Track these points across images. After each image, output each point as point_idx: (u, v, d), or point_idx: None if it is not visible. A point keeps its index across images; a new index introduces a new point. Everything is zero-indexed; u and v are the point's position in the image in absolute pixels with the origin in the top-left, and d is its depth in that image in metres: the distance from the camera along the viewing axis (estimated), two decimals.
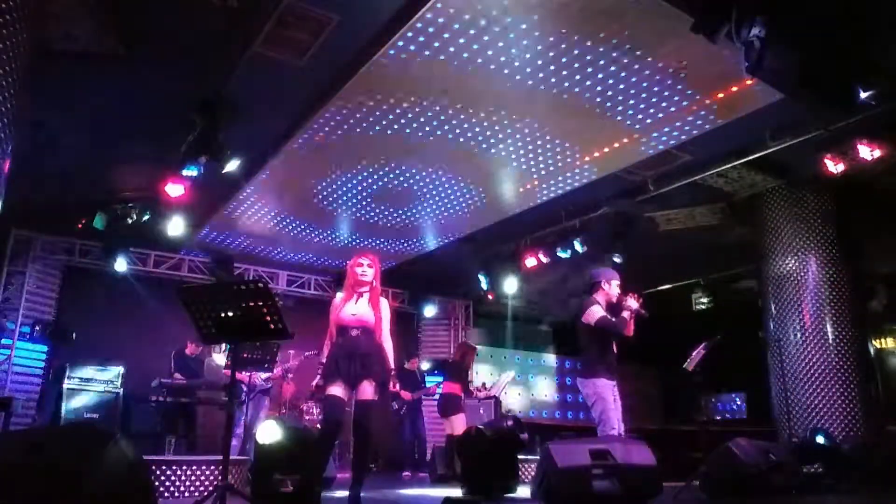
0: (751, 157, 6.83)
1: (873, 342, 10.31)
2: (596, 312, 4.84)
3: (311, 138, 6.67)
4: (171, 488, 4.93)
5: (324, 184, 7.78)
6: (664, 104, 5.94)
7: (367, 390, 4.06)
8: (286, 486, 4.05)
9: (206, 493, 4.66)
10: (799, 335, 7.49)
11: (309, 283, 11.43)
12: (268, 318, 3.47)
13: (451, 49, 5.20)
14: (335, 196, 8.13)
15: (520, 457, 6.08)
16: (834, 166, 6.39)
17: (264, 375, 7.88)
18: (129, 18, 4.94)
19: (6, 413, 6.52)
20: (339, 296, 4.34)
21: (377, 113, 6.18)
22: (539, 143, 6.73)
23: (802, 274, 7.60)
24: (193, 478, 5.04)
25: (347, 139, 6.66)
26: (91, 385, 7.48)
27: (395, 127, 6.43)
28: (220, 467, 4.15)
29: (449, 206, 8.37)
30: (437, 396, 8.49)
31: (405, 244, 9.87)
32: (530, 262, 9.21)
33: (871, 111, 5.31)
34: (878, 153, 6.04)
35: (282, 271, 11.23)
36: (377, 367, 4.11)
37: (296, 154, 7.00)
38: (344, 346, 4.12)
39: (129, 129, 6.69)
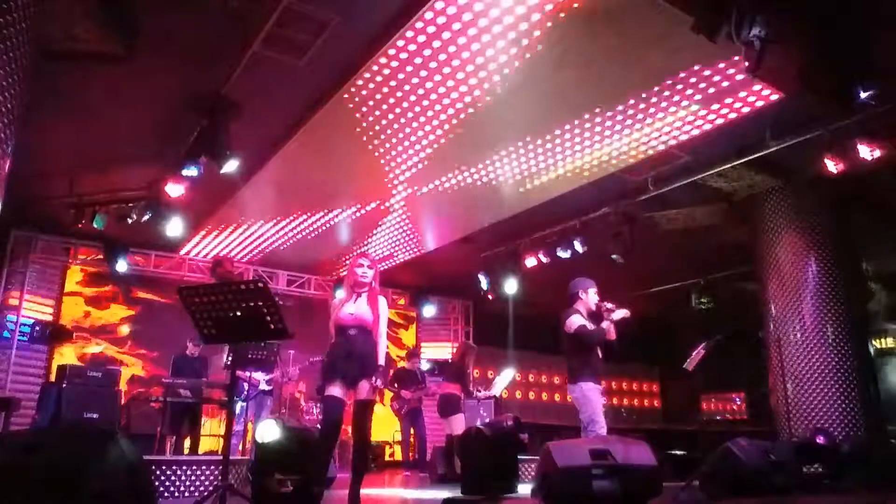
0: (751, 157, 6.84)
1: (873, 342, 10.31)
2: (575, 322, 4.95)
3: (311, 139, 6.67)
4: (171, 488, 4.93)
5: (324, 183, 7.78)
6: (664, 104, 5.95)
7: (365, 390, 4.07)
8: (286, 486, 4.05)
9: (206, 493, 4.66)
10: (799, 335, 7.49)
11: (309, 283, 11.43)
12: (268, 318, 3.47)
13: (451, 49, 5.20)
14: (335, 196, 8.14)
15: (520, 457, 6.08)
16: (834, 166, 6.39)
17: (266, 377, 7.89)
18: (129, 18, 4.94)
19: (6, 413, 6.51)
20: (339, 296, 4.35)
21: (377, 112, 6.18)
22: (539, 143, 6.73)
23: (802, 274, 7.60)
24: (193, 478, 5.04)
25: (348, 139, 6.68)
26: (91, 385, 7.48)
27: (395, 126, 6.44)
28: (220, 467, 4.16)
29: (449, 205, 8.38)
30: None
31: (405, 244, 9.87)
32: (530, 262, 9.21)
33: (871, 111, 5.32)
34: (878, 153, 6.04)
35: (282, 271, 11.23)
36: (374, 366, 4.12)
37: (296, 154, 7.01)
38: (342, 345, 4.12)
39: (130, 129, 6.70)
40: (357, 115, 6.19)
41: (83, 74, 5.62)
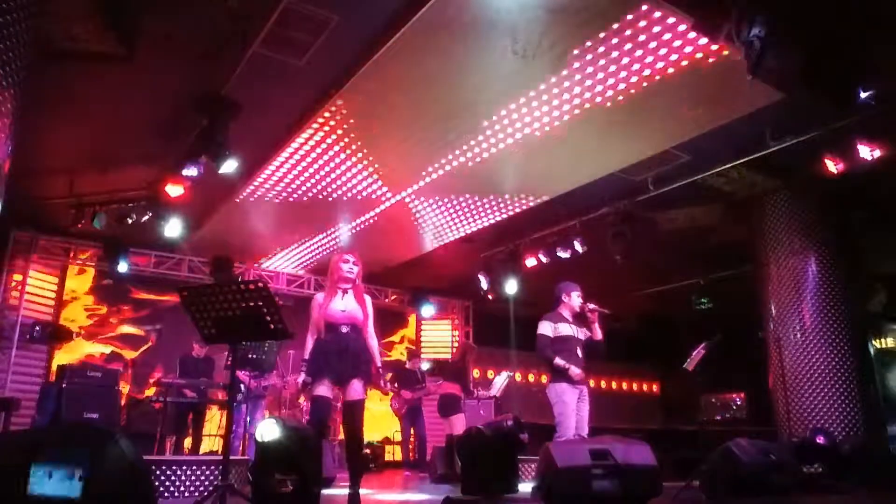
0: (751, 157, 6.83)
1: (873, 342, 10.30)
2: (539, 329, 5.11)
3: (311, 139, 6.68)
4: (171, 488, 4.93)
5: (324, 183, 7.78)
6: (664, 104, 5.95)
7: (357, 389, 4.05)
8: (286, 486, 4.05)
9: (206, 493, 4.66)
10: (799, 335, 7.49)
11: (309, 282, 11.43)
12: (268, 318, 3.47)
13: (452, 48, 5.20)
14: (335, 196, 8.13)
15: (520, 457, 6.08)
16: (834, 166, 6.39)
17: (259, 378, 7.89)
18: (129, 18, 4.94)
19: (6, 413, 6.51)
20: (321, 295, 4.26)
21: (377, 113, 6.18)
22: (539, 142, 6.73)
23: (802, 274, 7.60)
24: (193, 478, 5.04)
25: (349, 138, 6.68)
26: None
27: (395, 127, 6.44)
28: (220, 467, 4.15)
29: (448, 205, 8.38)
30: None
31: (406, 244, 9.87)
32: (530, 262, 9.21)
33: (871, 111, 5.31)
34: (878, 153, 6.04)
35: (282, 271, 11.24)
36: (366, 365, 4.10)
37: (296, 154, 7.01)
38: (334, 342, 4.07)
39: (130, 129, 6.70)
40: (359, 116, 6.20)
41: (83, 74, 5.62)
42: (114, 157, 7.28)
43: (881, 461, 6.23)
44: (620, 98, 5.82)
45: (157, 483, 4.80)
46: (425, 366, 9.10)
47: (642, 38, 5.05)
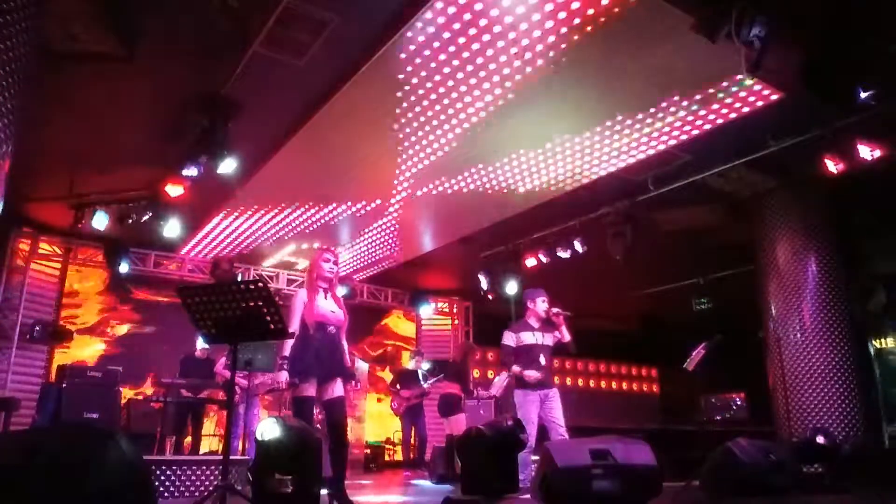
0: (751, 157, 6.83)
1: (873, 342, 10.30)
2: (503, 339, 5.38)
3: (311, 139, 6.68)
4: (171, 488, 4.93)
5: (324, 183, 7.78)
6: (664, 104, 5.95)
7: (340, 387, 4.11)
8: (286, 486, 4.05)
9: (206, 493, 4.66)
10: (799, 335, 7.48)
11: None
12: (268, 318, 3.47)
13: (451, 48, 5.20)
14: (335, 195, 8.14)
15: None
16: (834, 166, 6.39)
17: (256, 381, 7.89)
18: (129, 18, 4.94)
19: (6, 413, 6.51)
20: (304, 292, 4.22)
21: (377, 112, 6.18)
22: (539, 142, 6.73)
23: (802, 274, 7.60)
24: (193, 478, 5.04)
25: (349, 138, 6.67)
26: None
27: (395, 127, 6.44)
28: (220, 467, 4.15)
29: (448, 205, 8.38)
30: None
31: (405, 244, 9.87)
32: (530, 262, 9.20)
33: (871, 111, 5.31)
34: (878, 153, 6.04)
35: (282, 271, 11.24)
36: (345, 365, 4.20)
37: (295, 154, 7.00)
38: (323, 342, 4.08)
39: (130, 129, 6.70)
40: (363, 109, 6.20)
41: (83, 74, 5.62)
42: (114, 157, 7.28)
43: (881, 461, 6.23)
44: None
45: (157, 483, 4.80)
46: (426, 365, 9.09)
47: None
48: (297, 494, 3.77)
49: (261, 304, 3.43)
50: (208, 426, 9.17)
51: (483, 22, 4.89)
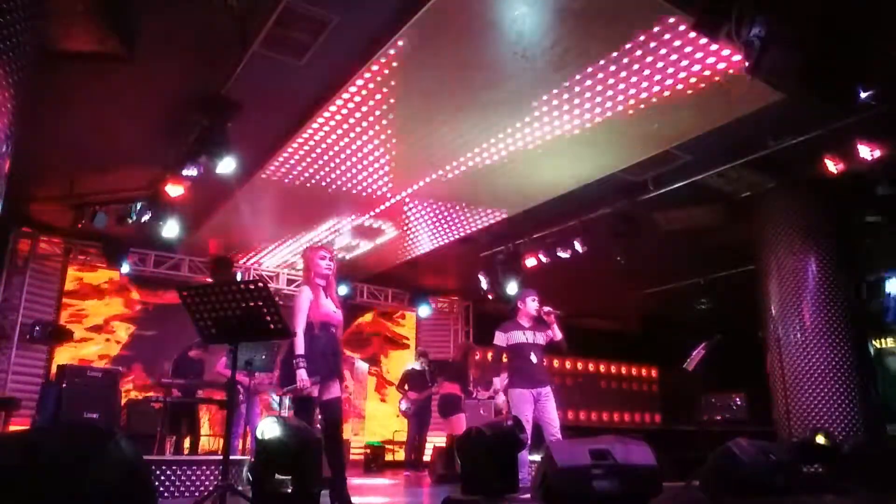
0: (751, 157, 6.83)
1: (873, 342, 10.30)
2: (494, 340, 5.43)
3: (311, 139, 6.68)
4: (171, 488, 4.93)
5: (323, 184, 7.78)
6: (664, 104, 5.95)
7: (337, 388, 4.13)
8: (286, 486, 4.05)
9: (206, 493, 4.67)
10: (799, 335, 7.48)
11: None
12: (268, 318, 3.47)
13: (452, 48, 5.21)
14: (335, 196, 8.13)
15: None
16: (834, 166, 6.39)
17: (253, 379, 7.89)
18: (129, 18, 4.94)
19: (6, 413, 6.52)
20: (308, 290, 4.15)
21: (379, 112, 6.18)
22: (539, 142, 6.73)
23: (802, 274, 7.60)
24: (193, 478, 5.04)
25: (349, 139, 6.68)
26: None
27: (395, 128, 6.44)
28: (220, 467, 4.16)
29: (448, 205, 8.38)
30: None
31: (406, 244, 9.87)
32: (530, 262, 9.21)
33: (871, 111, 5.31)
34: (878, 153, 6.04)
35: (282, 271, 11.24)
36: (341, 365, 4.26)
37: (295, 154, 7.01)
38: (326, 344, 4.08)
39: (130, 128, 6.70)
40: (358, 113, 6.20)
41: (83, 74, 5.61)
42: (114, 156, 7.28)
43: (881, 461, 6.22)
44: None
45: (157, 483, 4.80)
46: (420, 366, 9.09)
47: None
48: (297, 494, 3.77)
49: (261, 304, 3.43)
50: (206, 426, 9.17)
51: (482, 22, 4.89)
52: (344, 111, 6.14)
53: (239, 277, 10.44)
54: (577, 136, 6.50)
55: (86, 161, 7.36)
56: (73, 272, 9.93)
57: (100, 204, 8.04)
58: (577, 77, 5.53)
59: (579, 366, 14.06)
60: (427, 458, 8.86)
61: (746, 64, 4.23)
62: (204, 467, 5.12)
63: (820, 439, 6.56)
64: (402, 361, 12.12)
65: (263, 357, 7.14)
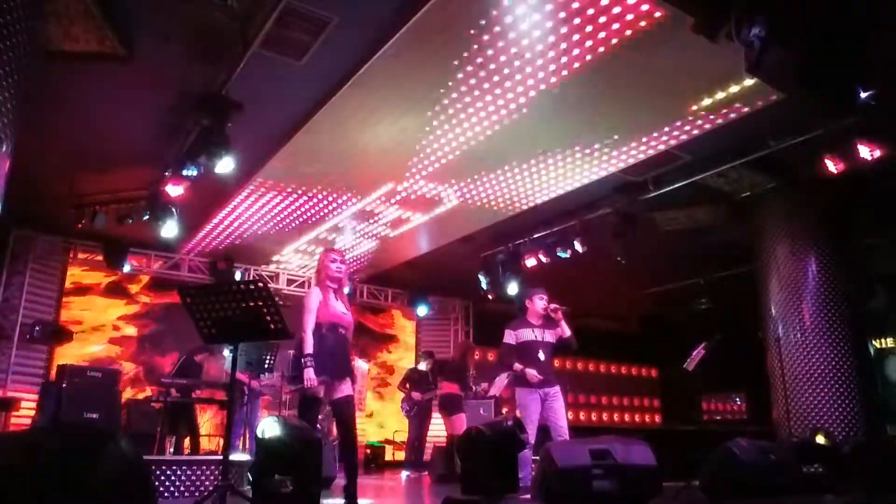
0: (751, 157, 6.83)
1: (873, 342, 10.30)
2: (503, 338, 5.44)
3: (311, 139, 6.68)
4: (171, 488, 4.93)
5: (324, 183, 7.78)
6: (664, 103, 5.95)
7: (347, 387, 4.16)
8: (286, 486, 4.05)
9: (206, 493, 4.67)
10: (799, 335, 7.48)
11: (309, 282, 11.43)
12: (268, 318, 3.47)
13: (451, 48, 5.20)
14: (334, 195, 8.13)
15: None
16: (834, 166, 6.39)
17: (263, 382, 7.89)
18: (129, 18, 4.94)
19: (6, 413, 6.52)
20: (318, 291, 4.23)
21: (378, 113, 6.19)
22: (540, 142, 6.73)
23: (802, 274, 7.60)
24: (193, 478, 5.04)
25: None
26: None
27: (395, 128, 6.44)
28: (220, 467, 4.16)
29: (449, 205, 8.38)
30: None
31: (406, 244, 9.87)
32: (530, 262, 9.20)
33: (871, 111, 5.31)
34: (878, 153, 6.04)
35: (282, 271, 11.24)
36: (350, 365, 4.32)
37: (295, 154, 7.01)
38: (335, 342, 4.14)
39: (130, 129, 6.70)
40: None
41: (83, 74, 5.61)
42: (114, 157, 7.28)
43: (881, 461, 6.22)
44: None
45: (157, 483, 4.80)
46: (424, 367, 9.09)
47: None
48: (296, 494, 3.77)
49: (261, 304, 3.43)
50: (207, 426, 9.17)
51: (482, 22, 4.89)
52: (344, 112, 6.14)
53: (239, 277, 10.44)
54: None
55: (86, 161, 7.36)
56: (73, 272, 9.93)
57: (100, 204, 8.04)
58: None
59: (579, 366, 14.06)
60: (427, 457, 8.85)
61: (746, 64, 4.23)
62: (204, 467, 5.12)
63: (820, 439, 6.55)
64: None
65: (268, 358, 7.15)
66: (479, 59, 5.33)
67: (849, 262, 7.71)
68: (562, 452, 4.08)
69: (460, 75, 5.55)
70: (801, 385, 7.34)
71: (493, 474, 5.42)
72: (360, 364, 11.85)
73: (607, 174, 7.35)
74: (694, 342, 5.78)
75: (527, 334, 5.34)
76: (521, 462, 5.06)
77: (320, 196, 8.13)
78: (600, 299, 11.84)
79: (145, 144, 6.92)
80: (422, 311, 12.45)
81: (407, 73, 5.53)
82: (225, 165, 6.05)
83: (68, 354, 9.37)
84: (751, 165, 7.09)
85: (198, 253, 10.29)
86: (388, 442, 11.45)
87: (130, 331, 10.25)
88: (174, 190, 6.69)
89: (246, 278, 10.54)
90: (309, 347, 4.01)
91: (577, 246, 8.40)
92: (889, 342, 10.67)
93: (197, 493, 4.94)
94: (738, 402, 12.68)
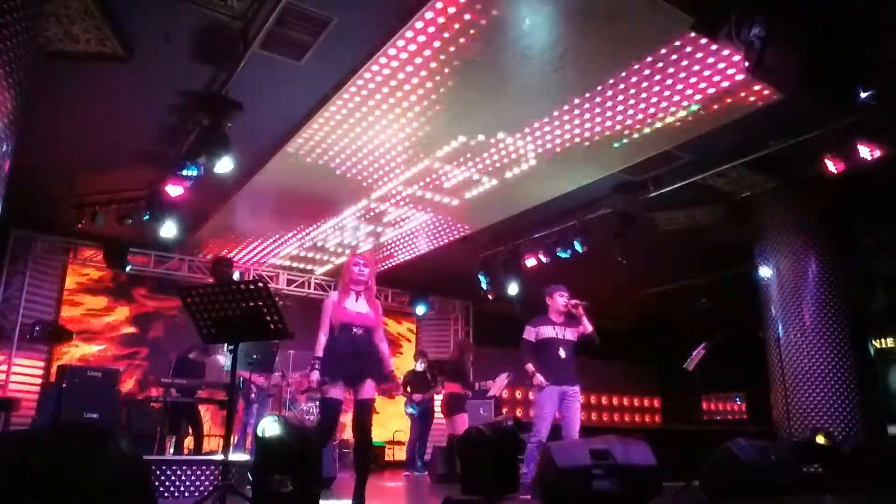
0: (751, 157, 6.83)
1: (873, 342, 10.29)
2: (523, 333, 5.40)
3: (311, 139, 6.68)
4: (171, 488, 4.92)
5: (323, 183, 7.78)
6: (665, 104, 5.95)
7: (369, 389, 4.13)
8: (286, 486, 4.05)
9: (206, 493, 4.66)
10: (799, 335, 7.48)
11: (309, 282, 11.44)
12: (268, 318, 3.47)
13: (451, 48, 5.21)
14: (335, 196, 8.14)
15: (520, 457, 6.07)
16: (834, 166, 6.39)
17: (270, 380, 7.89)
18: (129, 18, 4.94)
19: (6, 413, 6.51)
20: (335, 294, 4.32)
21: (379, 113, 6.19)
22: (540, 142, 6.73)
23: (802, 274, 7.60)
24: (193, 478, 5.03)
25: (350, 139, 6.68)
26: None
27: (394, 128, 6.44)
28: (220, 467, 4.15)
29: (449, 205, 8.38)
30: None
31: (406, 244, 9.87)
32: (530, 262, 9.20)
33: (871, 111, 5.31)
34: (878, 153, 6.04)
35: (282, 271, 11.24)
36: (377, 366, 4.18)
37: (295, 154, 7.01)
38: (348, 344, 4.13)
39: (130, 128, 6.70)
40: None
41: (83, 74, 5.62)
42: (114, 157, 7.28)
43: (881, 461, 6.22)
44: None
45: (157, 483, 4.80)
46: (421, 367, 9.07)
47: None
48: (296, 494, 3.78)
49: (261, 304, 3.43)
50: (208, 426, 9.16)
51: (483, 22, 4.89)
52: (344, 111, 6.15)
53: (237, 277, 10.43)
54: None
55: (86, 161, 7.36)
56: (73, 272, 9.93)
57: (100, 204, 8.04)
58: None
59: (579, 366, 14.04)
60: (427, 457, 8.85)
61: (746, 64, 4.23)
62: (204, 467, 5.11)
63: (820, 439, 6.55)
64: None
65: (270, 357, 7.15)
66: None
67: (849, 262, 7.71)
68: (562, 452, 4.08)
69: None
70: (801, 385, 7.34)
71: (493, 474, 5.43)
72: None
73: (607, 174, 7.35)
74: (694, 342, 5.78)
75: (548, 331, 5.29)
76: (528, 458, 5.05)
77: (321, 195, 8.13)
78: (600, 299, 11.81)
79: (145, 144, 6.92)
80: (421, 310, 12.44)
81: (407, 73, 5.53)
82: (224, 165, 6.05)
83: (68, 355, 9.39)
84: (751, 165, 7.09)
85: (198, 253, 10.29)
86: (388, 442, 11.44)
87: (130, 331, 10.24)
88: (174, 190, 6.69)
89: (246, 278, 10.53)
90: (318, 350, 4.11)
91: (577, 246, 8.40)
92: (889, 342, 10.67)
93: (197, 493, 4.94)
94: (738, 402, 12.67)
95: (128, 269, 9.47)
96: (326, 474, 5.68)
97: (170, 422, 7.42)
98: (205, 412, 8.61)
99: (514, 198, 8.05)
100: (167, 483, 4.91)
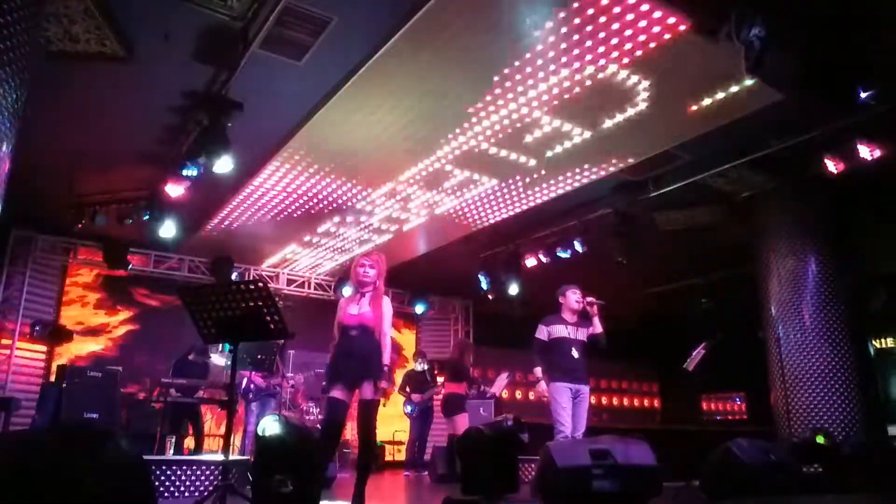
0: (751, 157, 6.83)
1: (873, 342, 10.30)
2: (536, 332, 5.39)
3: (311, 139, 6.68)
4: (171, 488, 4.93)
5: (323, 184, 7.78)
6: (664, 103, 5.95)
7: (368, 390, 4.10)
8: (286, 486, 4.05)
9: (206, 493, 4.66)
10: (799, 335, 7.48)
11: (309, 283, 11.44)
12: (268, 318, 3.47)
13: (452, 48, 5.21)
14: (334, 196, 8.13)
15: (520, 457, 6.07)
16: (834, 166, 6.39)
17: (274, 381, 7.90)
18: (129, 18, 4.94)
19: (6, 413, 6.52)
20: (346, 295, 4.41)
21: (379, 112, 6.19)
22: (540, 142, 6.73)
23: (802, 274, 7.60)
24: (193, 478, 5.03)
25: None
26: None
27: (394, 127, 6.44)
28: (220, 467, 4.15)
29: (449, 205, 8.38)
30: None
31: (406, 244, 9.86)
32: (530, 262, 9.20)
33: (871, 111, 5.31)
34: (878, 153, 6.04)
35: (282, 271, 11.24)
36: (377, 365, 4.15)
37: (296, 154, 7.01)
38: (343, 346, 4.17)
39: (130, 128, 6.70)
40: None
41: (83, 74, 5.61)
42: (114, 157, 7.28)
43: (881, 461, 6.22)
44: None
45: (157, 483, 4.80)
46: (420, 367, 9.08)
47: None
48: (296, 494, 3.77)
49: (261, 304, 3.43)
50: (210, 425, 9.17)
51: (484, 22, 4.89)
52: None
53: (236, 277, 10.43)
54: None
55: (86, 161, 7.36)
56: (73, 272, 9.93)
57: (100, 204, 8.04)
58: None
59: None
60: (427, 457, 8.85)
61: (746, 64, 4.23)
62: (204, 467, 5.12)
63: (820, 439, 6.55)
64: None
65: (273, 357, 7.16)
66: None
67: (849, 262, 7.71)
68: (562, 452, 4.08)
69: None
70: (801, 385, 7.34)
71: (493, 474, 5.43)
72: None
73: (607, 174, 7.35)
74: (694, 342, 5.78)
75: (560, 330, 5.28)
76: None
77: (320, 196, 8.13)
78: (600, 299, 11.81)
79: (145, 144, 6.92)
80: (420, 310, 12.44)
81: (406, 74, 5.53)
82: (224, 165, 6.05)
83: (68, 354, 9.39)
84: (751, 165, 7.09)
85: (198, 253, 10.28)
86: (388, 442, 11.44)
87: (131, 331, 10.24)
88: (174, 190, 6.69)
89: (246, 278, 10.53)
90: (331, 351, 4.24)
91: (577, 246, 8.40)
92: (889, 342, 10.67)
93: (197, 493, 4.94)
94: (738, 402, 12.68)
95: (128, 268, 9.46)
96: (326, 474, 5.68)
97: (171, 421, 7.43)
98: (205, 412, 8.62)
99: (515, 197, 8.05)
100: (167, 483, 4.91)
